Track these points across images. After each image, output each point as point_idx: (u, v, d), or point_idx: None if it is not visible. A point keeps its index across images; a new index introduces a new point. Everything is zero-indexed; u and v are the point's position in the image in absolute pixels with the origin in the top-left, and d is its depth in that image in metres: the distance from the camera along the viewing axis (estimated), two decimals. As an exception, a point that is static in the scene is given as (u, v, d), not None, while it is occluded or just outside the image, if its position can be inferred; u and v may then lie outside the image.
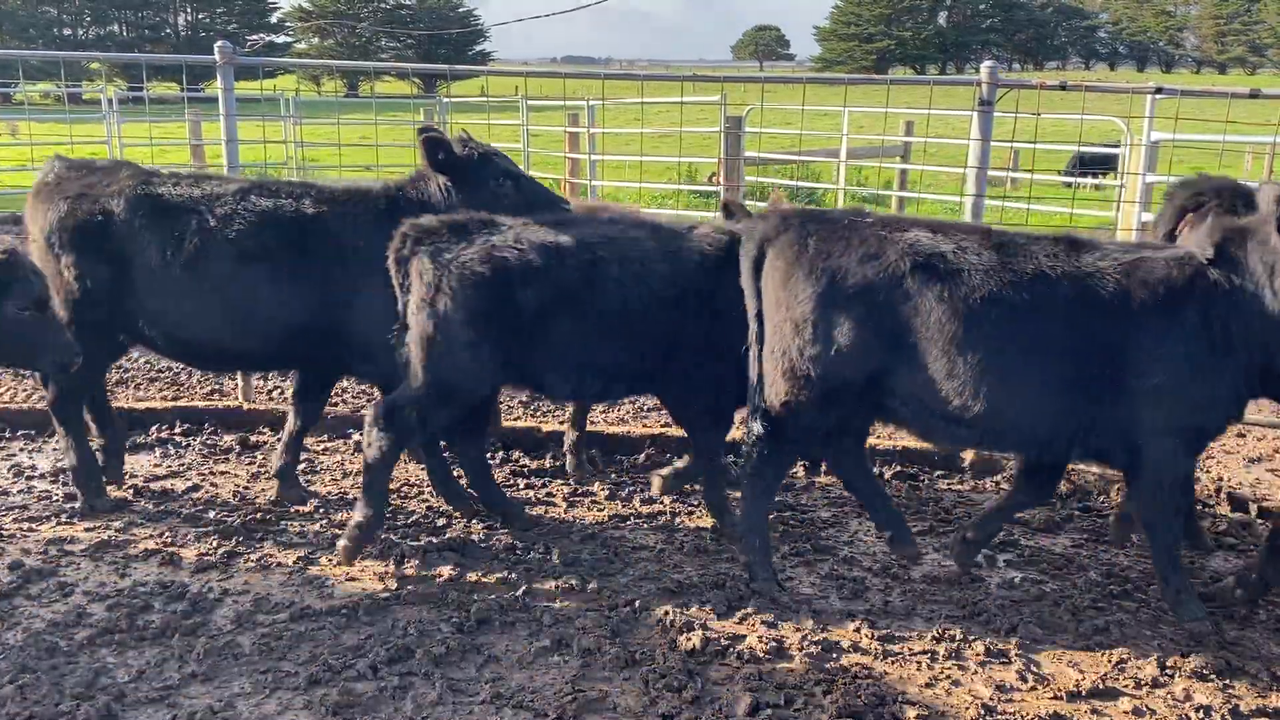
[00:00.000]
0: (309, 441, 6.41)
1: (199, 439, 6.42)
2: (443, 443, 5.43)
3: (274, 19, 76.37)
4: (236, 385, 7.17)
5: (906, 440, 6.44)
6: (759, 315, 4.45)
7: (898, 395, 4.27)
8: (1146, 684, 3.87)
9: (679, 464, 5.62)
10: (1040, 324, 4.04)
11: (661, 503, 5.54)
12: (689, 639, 4.05)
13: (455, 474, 5.48)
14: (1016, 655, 4.07)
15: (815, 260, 4.26)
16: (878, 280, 4.16)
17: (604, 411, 7.12)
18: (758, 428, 4.49)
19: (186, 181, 5.23)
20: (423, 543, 4.93)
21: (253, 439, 6.45)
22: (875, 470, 5.78)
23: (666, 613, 4.27)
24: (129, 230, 5.03)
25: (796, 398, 4.34)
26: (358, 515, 4.78)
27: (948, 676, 3.90)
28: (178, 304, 5.06)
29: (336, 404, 7.06)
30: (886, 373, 4.22)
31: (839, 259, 4.23)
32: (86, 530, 5.05)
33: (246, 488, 5.69)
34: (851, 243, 4.25)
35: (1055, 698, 3.77)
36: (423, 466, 5.99)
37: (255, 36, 70.92)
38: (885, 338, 4.17)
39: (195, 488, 5.67)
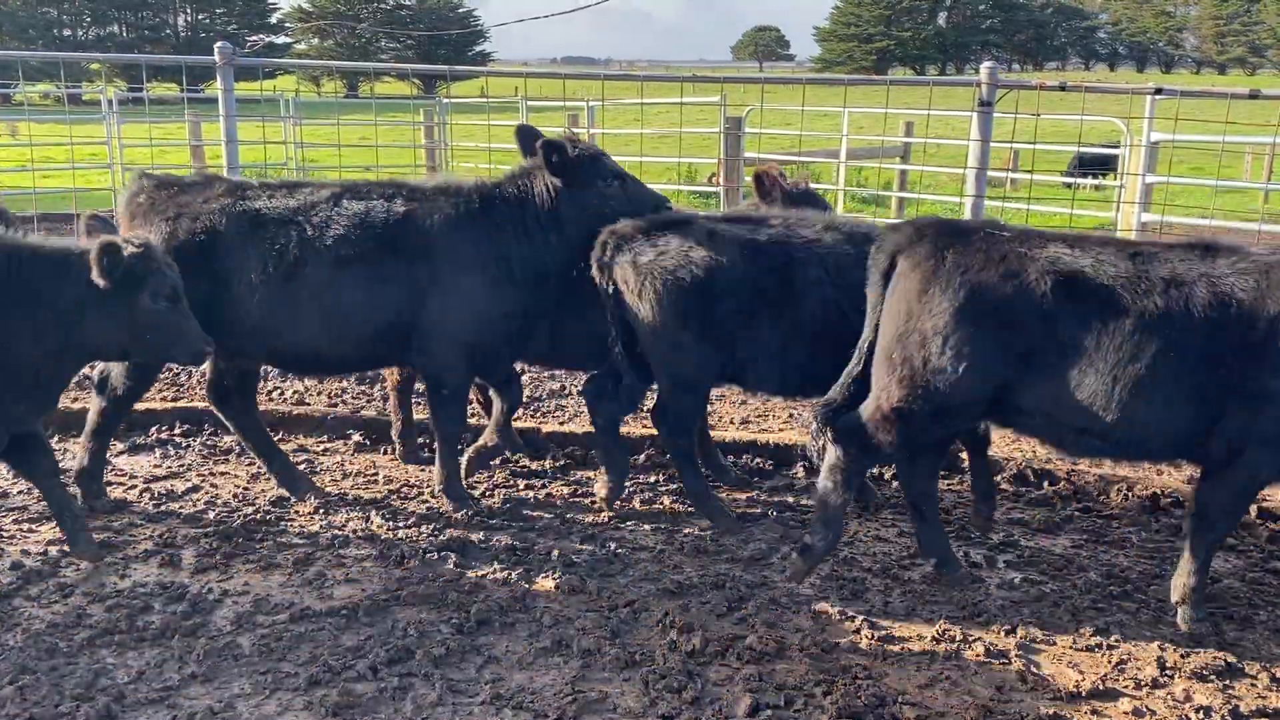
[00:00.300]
0: (309, 442, 6.42)
1: (199, 440, 6.42)
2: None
3: (274, 20, 76.42)
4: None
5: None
6: (877, 325, 4.44)
7: (1026, 409, 4.25)
8: (1146, 684, 3.87)
9: None
10: (1180, 332, 3.98)
11: (661, 503, 5.54)
12: (689, 639, 4.05)
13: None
14: (1016, 655, 4.07)
15: (953, 273, 4.22)
16: (1018, 295, 4.11)
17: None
18: (852, 433, 4.45)
19: (281, 192, 5.25)
20: (423, 543, 4.93)
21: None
22: (874, 471, 5.78)
23: (666, 613, 4.27)
24: (232, 246, 5.05)
25: (909, 406, 4.30)
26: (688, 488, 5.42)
27: (947, 677, 3.90)
28: (283, 314, 5.08)
29: (336, 404, 7.06)
30: (1017, 387, 4.19)
31: (979, 273, 4.19)
32: (86, 531, 5.05)
33: (246, 488, 5.69)
34: (991, 257, 4.21)
35: (1055, 698, 3.77)
36: (423, 468, 6.00)
37: (255, 37, 70.96)
38: (1021, 352, 4.13)
39: (195, 488, 5.67)
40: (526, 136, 5.39)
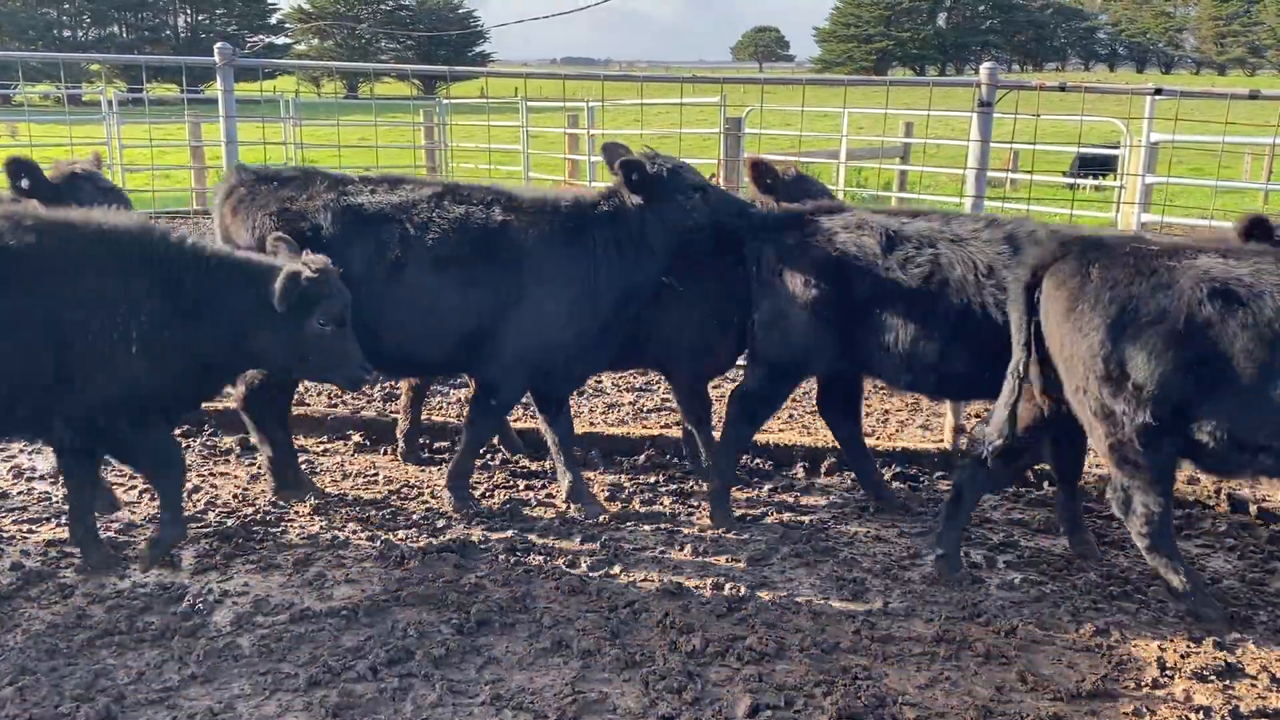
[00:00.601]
0: (309, 442, 6.42)
1: (199, 440, 6.42)
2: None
3: (274, 20, 76.47)
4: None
5: (906, 440, 6.45)
6: (1027, 344, 4.35)
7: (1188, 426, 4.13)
8: (1146, 685, 3.87)
9: None
10: None
11: (661, 503, 5.54)
12: (689, 639, 4.05)
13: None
14: (1016, 656, 4.07)
15: (1101, 290, 4.10)
16: (1174, 310, 3.98)
17: (604, 413, 7.12)
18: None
19: (383, 189, 5.24)
20: (423, 543, 4.93)
21: (252, 440, 6.44)
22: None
23: (666, 613, 4.27)
24: (336, 242, 5.02)
25: (1117, 437, 4.15)
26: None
27: (947, 677, 3.90)
28: (383, 313, 5.07)
29: (336, 404, 7.06)
30: (1187, 404, 4.04)
31: (1128, 288, 4.06)
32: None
33: (246, 489, 5.69)
34: (1140, 271, 4.08)
35: (1055, 698, 3.77)
36: (423, 468, 6.00)
37: (255, 38, 70.99)
38: (1183, 370, 3.99)
39: (195, 489, 5.66)
40: (612, 153, 5.38)
